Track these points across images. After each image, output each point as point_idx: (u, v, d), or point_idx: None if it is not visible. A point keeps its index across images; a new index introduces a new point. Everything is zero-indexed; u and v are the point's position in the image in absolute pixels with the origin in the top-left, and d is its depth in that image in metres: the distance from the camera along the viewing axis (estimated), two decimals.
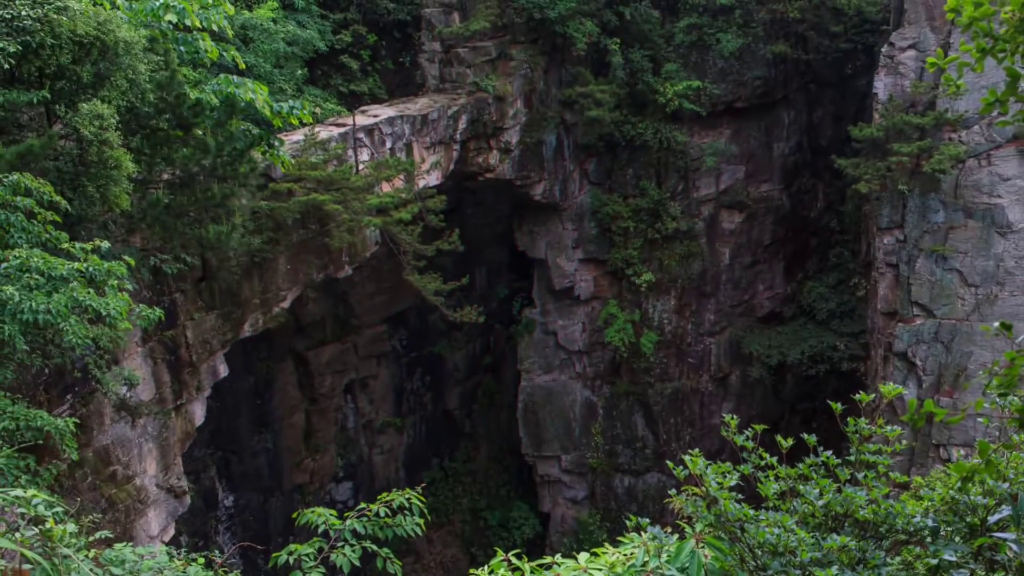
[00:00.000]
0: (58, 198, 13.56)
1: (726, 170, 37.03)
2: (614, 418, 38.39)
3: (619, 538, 6.74)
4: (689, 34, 35.06)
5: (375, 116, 27.67)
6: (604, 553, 6.66)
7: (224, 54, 19.29)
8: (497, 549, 7.20)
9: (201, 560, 8.78)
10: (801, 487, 7.55)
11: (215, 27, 18.58)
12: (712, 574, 6.33)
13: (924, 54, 29.29)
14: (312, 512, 8.20)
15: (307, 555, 7.87)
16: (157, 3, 17.46)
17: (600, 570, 6.33)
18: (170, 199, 18.54)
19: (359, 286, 36.13)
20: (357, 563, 7.87)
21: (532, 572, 6.42)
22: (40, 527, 6.12)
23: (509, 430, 41.23)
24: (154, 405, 19.93)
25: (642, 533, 6.49)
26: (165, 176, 18.90)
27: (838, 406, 8.09)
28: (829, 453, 7.80)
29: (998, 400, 6.61)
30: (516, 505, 41.60)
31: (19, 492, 6.42)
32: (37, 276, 12.62)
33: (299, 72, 30.16)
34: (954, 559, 6.68)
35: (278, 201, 22.65)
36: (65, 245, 13.41)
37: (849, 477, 7.63)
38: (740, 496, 7.13)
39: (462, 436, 42.66)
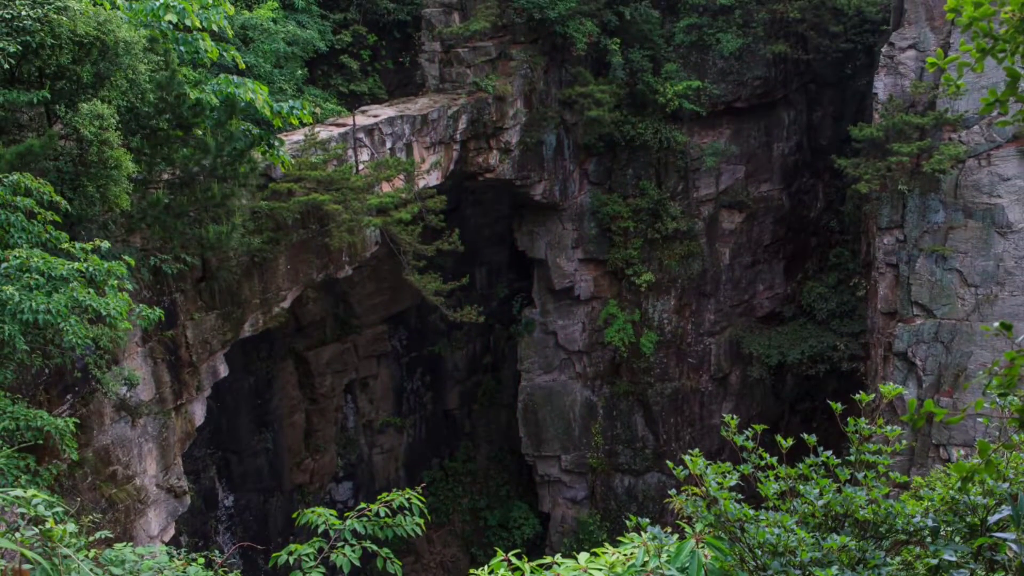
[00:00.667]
0: (58, 198, 13.55)
1: (726, 170, 37.03)
2: (614, 418, 38.39)
3: (619, 538, 6.74)
4: (689, 34, 35.06)
5: (375, 116, 27.67)
6: (604, 553, 6.66)
7: (224, 54, 19.28)
8: (497, 549, 7.20)
9: (201, 560, 8.77)
10: (801, 487, 7.56)
11: (215, 27, 18.58)
12: (712, 574, 6.33)
13: (924, 54, 29.29)
14: (312, 512, 8.19)
15: (307, 555, 7.86)
16: (157, 3, 17.46)
17: (600, 570, 6.33)
18: (170, 199, 18.53)
19: (359, 286, 36.14)
20: (357, 563, 7.87)
21: (532, 572, 6.42)
22: (40, 527, 6.12)
23: (509, 430, 41.23)
24: (154, 405, 19.93)
25: (642, 533, 6.49)
26: (165, 176, 18.90)
27: (838, 406, 8.10)
28: (829, 453, 7.80)
29: (998, 400, 6.60)
30: (516, 505, 41.61)
31: (19, 492, 6.43)
32: (37, 276, 12.61)
33: (299, 72, 30.16)
34: (954, 559, 6.68)
35: (278, 201, 22.65)
36: (65, 245, 13.40)
37: (849, 477, 7.63)
38: (740, 496, 7.13)
39: (462, 436, 42.67)
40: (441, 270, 28.26)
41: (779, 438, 8.08)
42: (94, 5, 16.20)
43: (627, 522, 7.43)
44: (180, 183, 18.80)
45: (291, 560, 7.83)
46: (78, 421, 14.46)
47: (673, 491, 7.54)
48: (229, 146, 18.98)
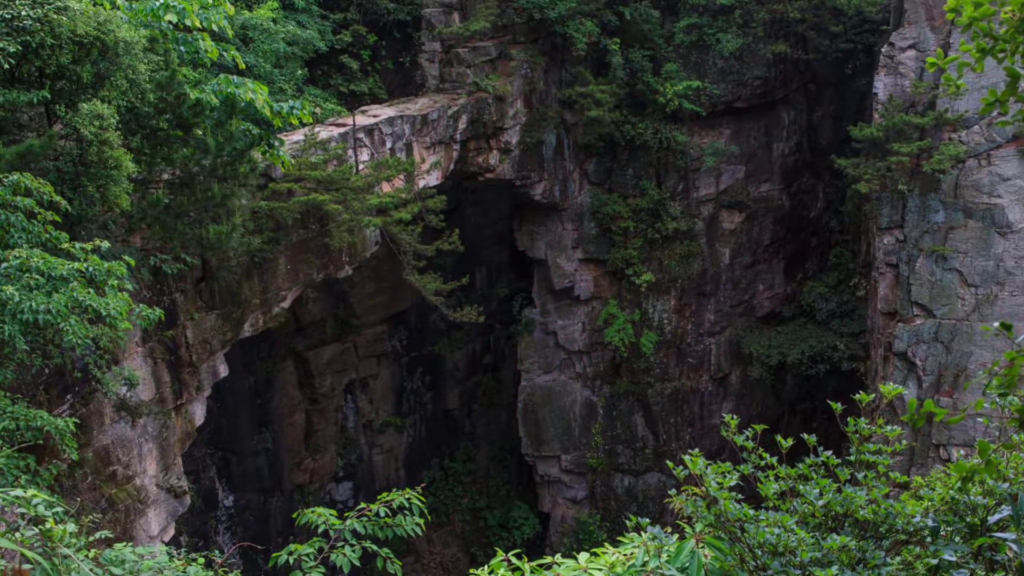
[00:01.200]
0: (58, 198, 13.55)
1: (726, 170, 37.03)
2: (614, 418, 38.39)
3: (619, 538, 6.74)
4: (689, 34, 35.06)
5: (375, 116, 27.67)
6: (604, 553, 6.66)
7: (224, 54, 19.28)
8: (497, 549, 7.20)
9: (201, 560, 8.77)
10: (801, 487, 7.56)
11: (215, 27, 18.57)
12: (712, 574, 6.33)
13: (924, 54, 29.29)
14: (312, 512, 8.20)
15: (307, 555, 7.87)
16: (157, 3, 17.46)
17: (600, 570, 6.33)
18: (170, 199, 18.54)
19: (359, 286, 36.14)
20: (357, 563, 7.87)
21: (532, 572, 6.42)
22: (40, 527, 6.13)
23: (509, 430, 41.23)
24: (154, 405, 19.93)
25: (642, 533, 6.50)
26: (165, 176, 18.90)
27: (838, 406, 8.10)
28: (829, 453, 7.80)
29: (998, 400, 6.61)
30: (516, 505, 41.61)
31: (19, 492, 6.43)
32: (37, 276, 12.62)
33: (299, 72, 30.15)
34: (954, 559, 6.68)
35: (278, 201, 22.65)
36: (65, 245, 13.41)
37: (849, 477, 7.63)
38: (740, 496, 7.13)
39: (462, 436, 42.67)
40: (441, 270, 28.27)
41: (779, 438, 8.08)
42: (94, 5, 16.20)
43: (627, 522, 7.43)
44: (180, 183, 18.80)
45: (291, 560, 7.83)
46: (78, 421, 14.46)
47: (673, 491, 7.54)
48: (229, 146, 18.98)
